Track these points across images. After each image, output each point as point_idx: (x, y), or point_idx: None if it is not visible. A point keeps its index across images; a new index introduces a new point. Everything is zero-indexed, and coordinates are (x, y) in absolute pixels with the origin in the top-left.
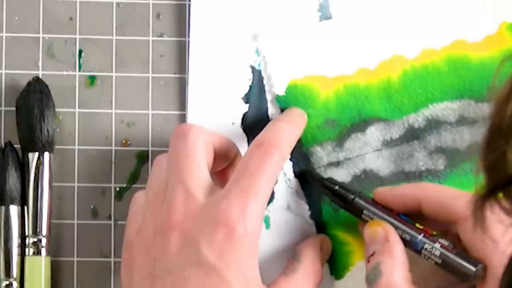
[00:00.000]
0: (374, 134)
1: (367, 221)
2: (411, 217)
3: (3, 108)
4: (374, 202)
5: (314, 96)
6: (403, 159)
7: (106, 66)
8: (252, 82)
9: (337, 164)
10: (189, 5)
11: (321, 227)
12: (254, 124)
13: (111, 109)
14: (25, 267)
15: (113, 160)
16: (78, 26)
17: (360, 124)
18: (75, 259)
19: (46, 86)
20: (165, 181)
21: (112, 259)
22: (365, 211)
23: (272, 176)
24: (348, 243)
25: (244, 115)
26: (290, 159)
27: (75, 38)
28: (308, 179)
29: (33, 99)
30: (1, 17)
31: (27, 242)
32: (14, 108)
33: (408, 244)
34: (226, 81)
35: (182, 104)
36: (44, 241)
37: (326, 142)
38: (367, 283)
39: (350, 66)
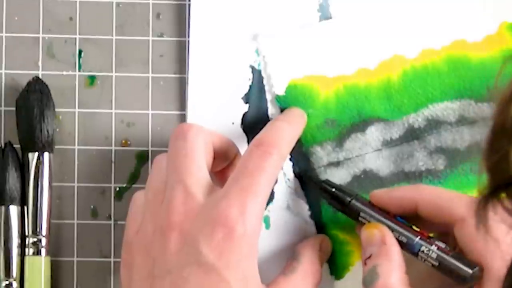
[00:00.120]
0: (374, 134)
1: (364, 223)
2: (408, 219)
3: (3, 108)
4: (371, 205)
5: (314, 96)
6: (403, 159)
7: (106, 66)
8: (252, 82)
9: (337, 164)
10: (189, 5)
11: (321, 227)
12: (254, 124)
13: (111, 109)
14: (25, 267)
15: (113, 160)
16: (78, 26)
17: (360, 124)
18: (75, 259)
19: (46, 86)
20: (164, 181)
21: (112, 259)
22: (362, 214)
23: (272, 176)
24: (348, 243)
25: (244, 115)
26: (290, 159)
27: (75, 38)
28: (305, 181)
29: (33, 99)
30: (1, 17)
31: (27, 242)
32: (14, 108)
33: (405, 246)
34: (226, 81)
35: (182, 104)
36: (44, 241)
37: (326, 142)
38: (364, 285)
39: (350, 66)
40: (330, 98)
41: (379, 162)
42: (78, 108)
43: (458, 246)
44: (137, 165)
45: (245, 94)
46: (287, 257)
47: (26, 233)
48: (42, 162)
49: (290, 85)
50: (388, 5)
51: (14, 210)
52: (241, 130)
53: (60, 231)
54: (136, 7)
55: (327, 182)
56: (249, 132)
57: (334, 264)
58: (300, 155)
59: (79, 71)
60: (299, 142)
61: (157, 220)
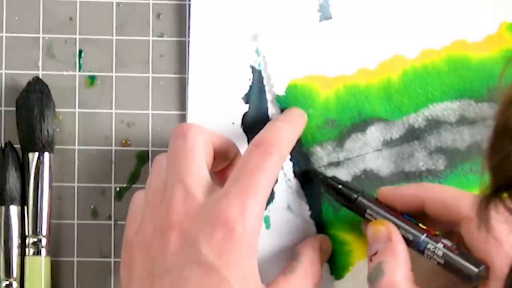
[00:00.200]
0: (374, 134)
1: (370, 220)
2: (414, 217)
3: (3, 108)
4: (378, 202)
5: (314, 96)
6: (403, 159)
7: (106, 66)
8: (252, 82)
9: (337, 164)
10: (189, 5)
11: (321, 227)
12: (254, 124)
13: (111, 109)
14: (25, 267)
15: (113, 160)
16: (78, 26)
17: (360, 124)
18: (75, 259)
19: (46, 86)
20: (164, 180)
21: (112, 259)
22: (368, 210)
23: (272, 176)
24: (348, 243)
25: (244, 115)
26: (290, 159)
27: (75, 38)
28: (312, 178)
29: (33, 99)
30: (1, 17)
31: (27, 242)
32: (14, 108)
33: (411, 244)
34: (226, 81)
35: (182, 104)
36: (44, 241)
37: (326, 142)
38: (369, 282)
39: (350, 66)
40: (330, 98)
41: (379, 162)
42: (78, 108)
43: (464, 244)
44: (137, 165)
45: (245, 94)
46: (287, 257)
47: (26, 233)
48: (42, 162)
49: (290, 85)
50: (388, 5)
51: (14, 210)
52: (241, 130)
53: (60, 231)
54: (136, 7)
55: (334, 178)
56: (249, 132)
57: (334, 264)
58: (300, 155)
59: (79, 71)
60: (299, 142)
61: (157, 219)
